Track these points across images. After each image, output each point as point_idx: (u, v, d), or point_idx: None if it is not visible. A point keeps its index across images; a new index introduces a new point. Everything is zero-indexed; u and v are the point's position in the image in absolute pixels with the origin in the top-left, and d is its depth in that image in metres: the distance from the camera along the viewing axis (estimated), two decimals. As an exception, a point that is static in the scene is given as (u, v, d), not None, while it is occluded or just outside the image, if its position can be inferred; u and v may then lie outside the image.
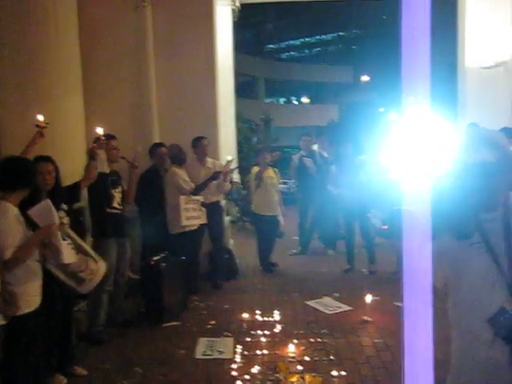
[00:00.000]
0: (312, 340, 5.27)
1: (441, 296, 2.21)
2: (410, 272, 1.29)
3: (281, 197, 8.16)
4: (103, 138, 5.09)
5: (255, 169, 7.93)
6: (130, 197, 5.76)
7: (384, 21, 31.75)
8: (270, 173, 7.92)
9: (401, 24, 1.19)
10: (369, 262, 7.81)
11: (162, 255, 5.91)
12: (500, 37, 10.43)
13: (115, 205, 5.41)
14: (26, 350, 3.70)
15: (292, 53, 47.15)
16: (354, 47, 41.36)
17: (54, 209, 3.79)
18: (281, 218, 7.97)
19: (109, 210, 5.33)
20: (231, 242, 8.17)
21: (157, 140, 6.97)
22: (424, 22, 1.19)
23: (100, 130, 5.06)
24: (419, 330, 1.30)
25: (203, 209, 6.57)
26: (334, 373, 4.53)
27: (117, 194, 5.46)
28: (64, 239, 4.13)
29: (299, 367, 4.58)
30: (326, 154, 9.33)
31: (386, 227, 6.44)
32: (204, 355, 4.98)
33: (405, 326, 1.28)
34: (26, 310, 3.64)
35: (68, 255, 4.13)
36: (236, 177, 11.50)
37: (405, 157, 1.41)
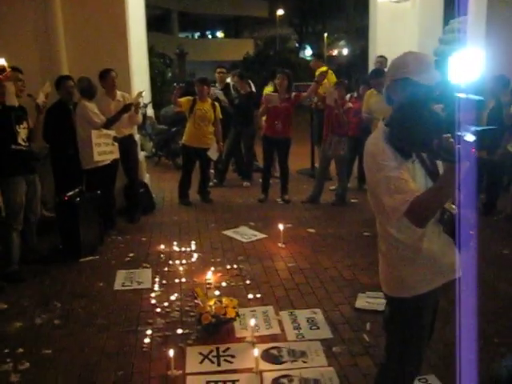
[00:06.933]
0: (228, 267, 5.47)
1: None
2: None
3: (220, 132, 8.00)
4: (9, 70, 4.87)
5: (184, 99, 7.75)
6: (37, 136, 5.60)
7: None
8: (205, 105, 7.74)
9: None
10: (282, 191, 8.05)
11: (76, 191, 5.84)
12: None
13: (20, 141, 5.19)
14: None
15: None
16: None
17: None
18: (211, 153, 7.84)
19: (14, 147, 5.11)
20: (147, 177, 8.14)
21: (65, 73, 6.70)
22: None
23: (3, 61, 4.82)
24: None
25: (116, 144, 6.45)
26: (250, 296, 4.76)
27: (22, 131, 5.21)
28: None
29: (216, 292, 4.76)
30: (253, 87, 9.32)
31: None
32: (123, 286, 5.06)
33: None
34: None
35: None
36: (150, 111, 11.36)
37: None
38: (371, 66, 9.96)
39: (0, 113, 4.90)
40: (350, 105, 7.71)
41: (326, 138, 7.75)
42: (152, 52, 15.41)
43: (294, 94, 7.78)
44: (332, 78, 9.17)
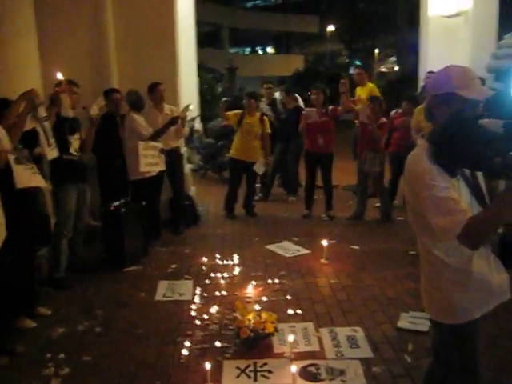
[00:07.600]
0: (270, 281, 5.43)
1: None
2: None
3: (268, 146, 8.08)
4: (65, 83, 5.07)
5: (231, 113, 7.89)
6: (88, 146, 5.75)
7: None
8: (253, 120, 7.81)
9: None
10: (326, 207, 7.97)
11: (122, 201, 5.95)
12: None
13: (72, 151, 5.39)
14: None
15: (257, 1, 46.29)
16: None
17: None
18: (257, 167, 7.87)
19: (65, 156, 5.29)
20: (192, 189, 8.22)
21: (115, 86, 6.86)
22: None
23: (60, 75, 5.02)
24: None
25: (162, 155, 6.55)
26: (290, 311, 4.71)
27: (74, 141, 5.44)
28: (21, 163, 4.19)
29: (256, 307, 4.72)
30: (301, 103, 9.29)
31: None
32: (164, 297, 5.11)
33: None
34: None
35: (21, 180, 4.18)
36: (198, 125, 11.49)
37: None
38: (421, 82, 9.79)
39: (55, 123, 5.06)
40: (384, 119, 7.59)
41: (360, 155, 7.68)
42: (202, 67, 15.62)
43: (330, 108, 7.73)
44: (375, 93, 9.03)
